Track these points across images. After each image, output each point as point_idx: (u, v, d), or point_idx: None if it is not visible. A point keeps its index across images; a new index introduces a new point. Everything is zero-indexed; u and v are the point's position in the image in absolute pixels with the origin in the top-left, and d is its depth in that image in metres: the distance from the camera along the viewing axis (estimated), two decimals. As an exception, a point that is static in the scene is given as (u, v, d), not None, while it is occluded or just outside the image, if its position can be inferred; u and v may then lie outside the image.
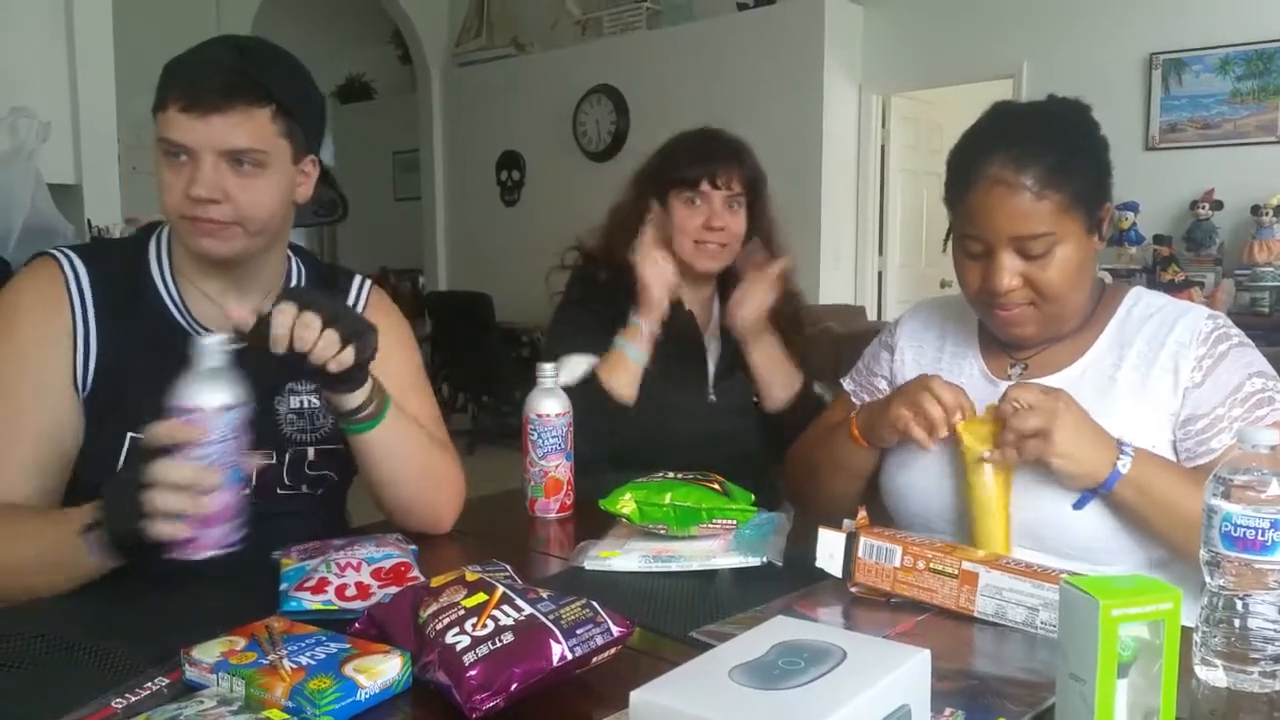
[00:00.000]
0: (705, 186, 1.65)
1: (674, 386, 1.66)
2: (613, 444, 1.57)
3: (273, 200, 1.21)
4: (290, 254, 1.37)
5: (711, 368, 1.74)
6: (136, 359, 1.21)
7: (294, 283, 1.35)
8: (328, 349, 1.08)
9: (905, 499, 1.31)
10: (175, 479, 0.94)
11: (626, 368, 1.57)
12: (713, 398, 1.72)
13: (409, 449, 1.26)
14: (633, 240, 1.68)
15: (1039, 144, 1.17)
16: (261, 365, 1.06)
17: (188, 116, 1.14)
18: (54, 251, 1.24)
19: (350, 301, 1.39)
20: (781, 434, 1.65)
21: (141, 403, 1.13)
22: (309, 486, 1.33)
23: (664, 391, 1.64)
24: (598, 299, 1.71)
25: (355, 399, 1.17)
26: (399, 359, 1.36)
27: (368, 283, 1.44)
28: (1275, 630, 0.85)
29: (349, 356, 1.09)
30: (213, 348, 0.97)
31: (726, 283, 1.76)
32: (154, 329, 1.24)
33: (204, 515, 0.95)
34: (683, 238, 1.66)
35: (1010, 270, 1.18)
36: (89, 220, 3.38)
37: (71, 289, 1.21)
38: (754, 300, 1.63)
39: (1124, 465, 1.11)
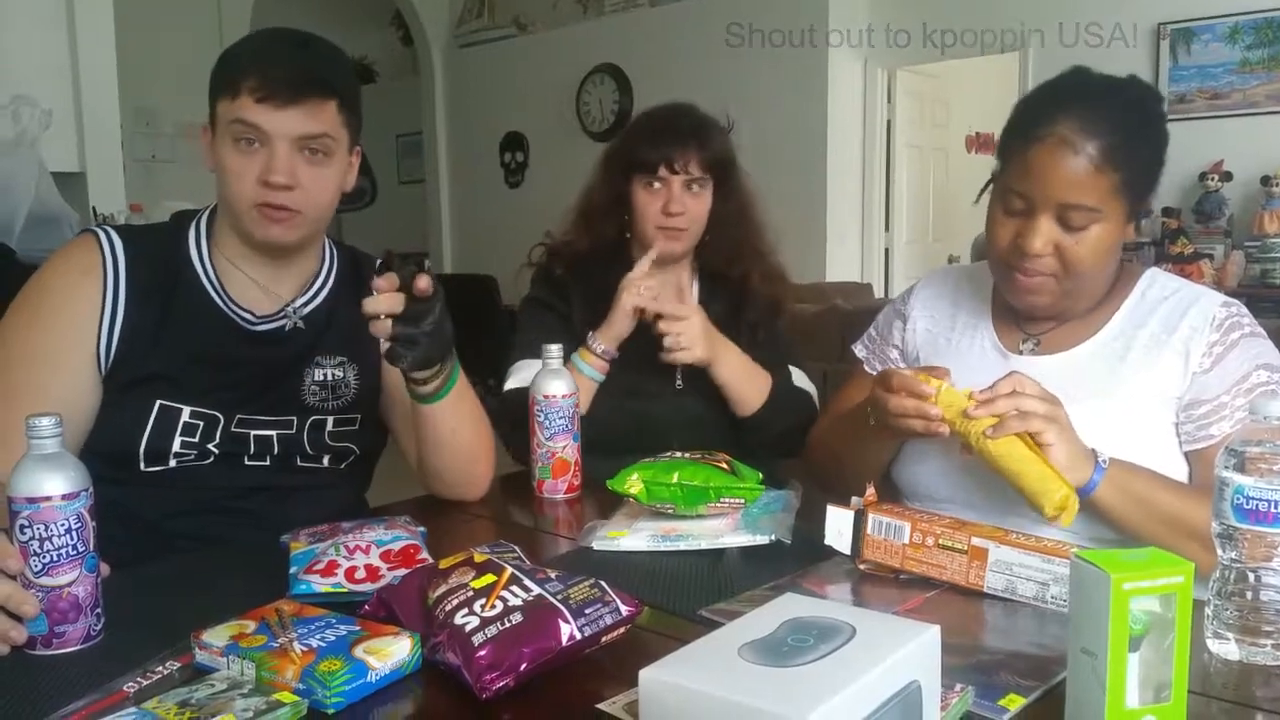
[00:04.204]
0: (663, 171, 1.62)
1: (641, 373, 1.63)
2: (584, 430, 1.56)
3: (335, 188, 1.29)
4: (326, 240, 1.42)
5: None
6: (172, 338, 1.26)
7: (330, 266, 1.41)
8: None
9: (917, 488, 1.30)
10: None
11: (581, 385, 1.54)
12: (680, 384, 1.68)
13: (463, 424, 1.33)
14: (602, 223, 1.68)
15: (1112, 117, 1.15)
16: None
17: (264, 105, 1.20)
18: (95, 228, 1.29)
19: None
20: (757, 434, 1.64)
21: (174, 378, 1.24)
22: (331, 460, 1.37)
23: (630, 377, 1.62)
24: (558, 296, 1.69)
25: (424, 376, 1.23)
26: None
27: None
28: (1288, 602, 0.84)
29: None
30: (46, 429, 0.87)
31: (705, 268, 1.75)
32: (193, 310, 1.29)
33: (61, 610, 0.88)
34: (644, 222, 1.65)
35: (1045, 235, 1.17)
36: (94, 208, 3.38)
37: (107, 264, 1.25)
38: (684, 340, 1.56)
39: (1104, 462, 1.10)
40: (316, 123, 1.22)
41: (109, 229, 1.29)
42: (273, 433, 1.31)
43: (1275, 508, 0.82)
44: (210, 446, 1.27)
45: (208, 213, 1.34)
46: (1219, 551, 0.87)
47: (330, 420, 1.36)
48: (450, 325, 1.20)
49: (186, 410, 1.25)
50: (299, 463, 1.34)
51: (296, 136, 1.21)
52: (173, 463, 1.25)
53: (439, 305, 1.16)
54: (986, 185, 1.26)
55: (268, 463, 1.32)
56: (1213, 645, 0.87)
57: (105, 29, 3.51)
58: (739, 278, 1.72)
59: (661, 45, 5.92)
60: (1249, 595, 0.85)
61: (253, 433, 1.30)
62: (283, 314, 1.33)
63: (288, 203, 1.23)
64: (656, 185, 1.63)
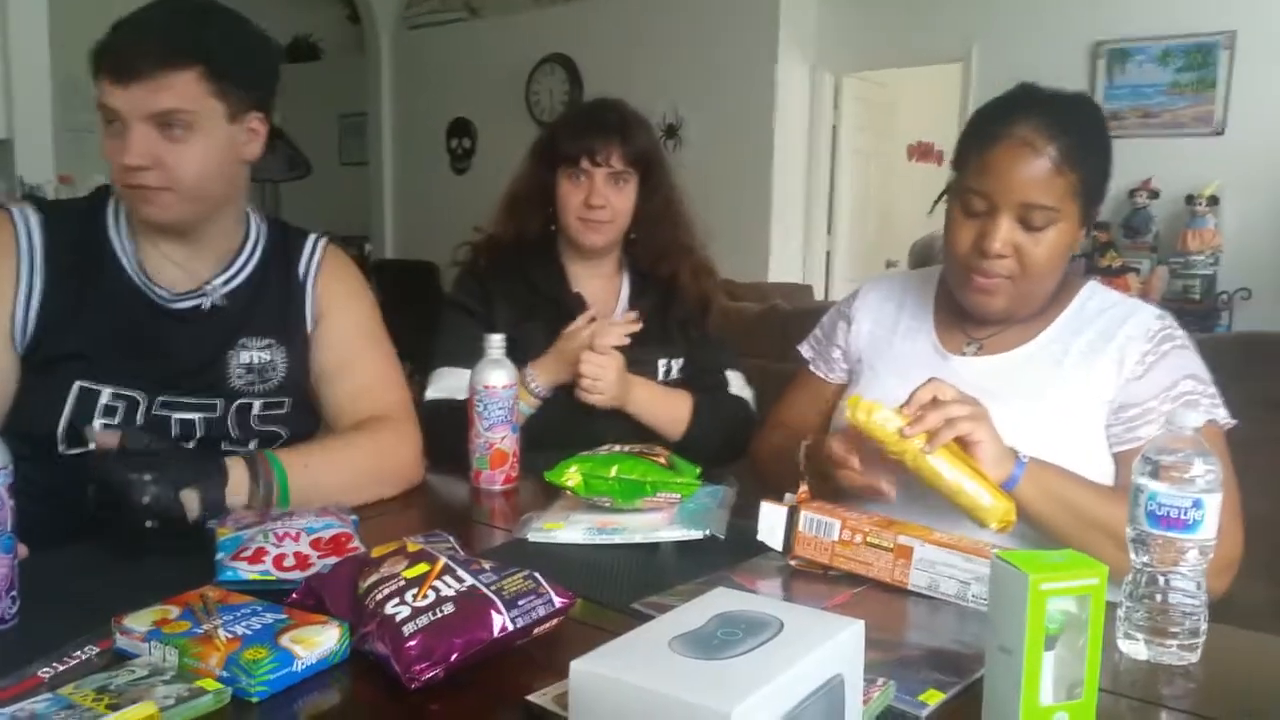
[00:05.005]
0: (585, 163, 1.63)
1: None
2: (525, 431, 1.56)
3: (205, 162, 1.21)
4: (253, 214, 1.39)
5: None
6: (91, 315, 1.23)
7: (254, 243, 1.36)
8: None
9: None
10: None
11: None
12: None
13: (334, 491, 1.21)
14: (527, 213, 1.69)
15: (1068, 121, 1.20)
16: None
17: (116, 85, 1.15)
18: (9, 207, 1.25)
19: (303, 258, 1.41)
20: (694, 451, 1.64)
21: (93, 357, 1.21)
22: (259, 444, 1.34)
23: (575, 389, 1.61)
24: (479, 299, 1.69)
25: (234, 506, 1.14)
26: (354, 315, 1.42)
27: (323, 241, 1.45)
28: (1194, 605, 0.88)
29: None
30: None
31: (634, 266, 1.76)
32: (111, 288, 1.25)
33: None
34: (566, 214, 1.66)
35: (1006, 235, 1.20)
36: (20, 178, 3.27)
37: (21, 243, 1.22)
38: (600, 386, 1.56)
39: (1024, 458, 1.13)
40: (167, 97, 1.16)
41: (23, 208, 1.25)
42: (196, 416, 1.28)
43: (1185, 514, 0.86)
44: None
45: None
46: (1131, 555, 0.90)
47: (257, 404, 1.33)
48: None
49: (106, 391, 1.22)
50: (224, 447, 1.31)
51: (147, 114, 1.16)
52: (93, 445, 1.22)
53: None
54: (942, 194, 1.30)
55: (191, 447, 1.29)
56: (1123, 645, 0.90)
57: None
58: (668, 275, 1.73)
59: (613, 38, 5.91)
60: (1158, 598, 0.88)
61: (175, 415, 1.27)
62: (201, 291, 1.30)
63: (148, 182, 1.18)
64: (580, 178, 1.64)
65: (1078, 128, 1.21)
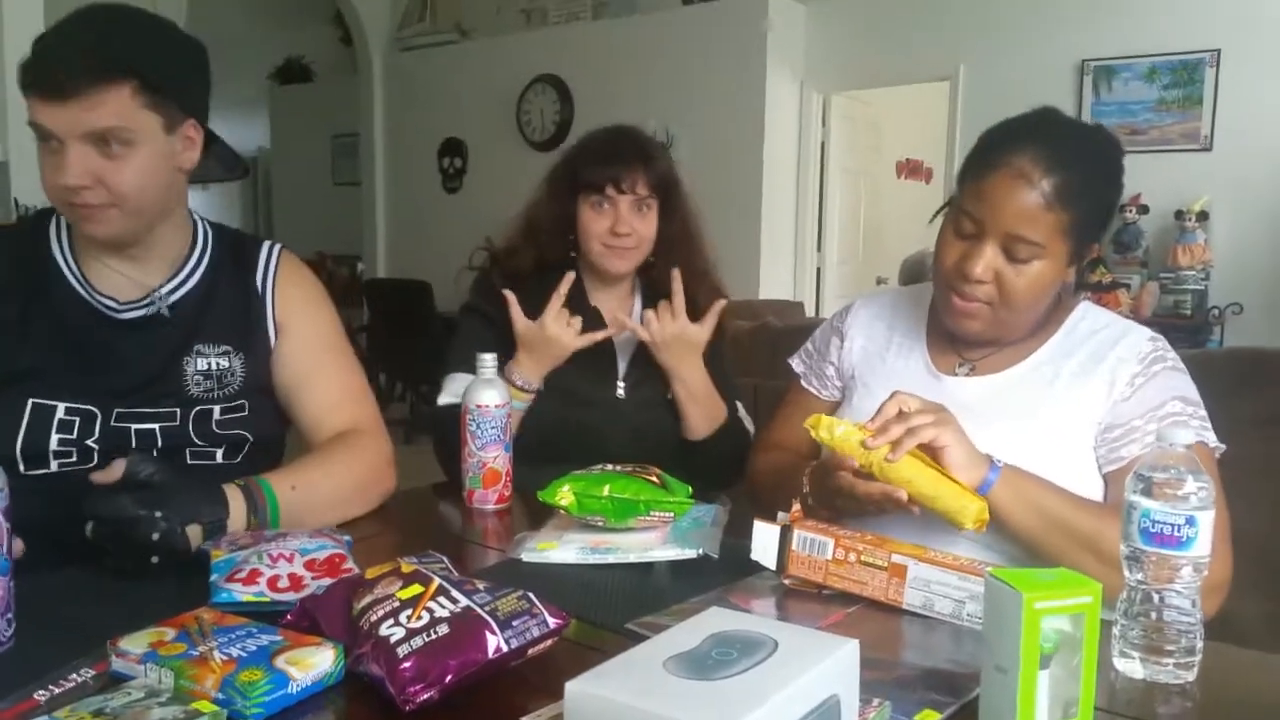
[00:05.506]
0: (611, 191, 1.63)
1: (581, 382, 1.64)
2: (524, 437, 1.56)
3: (146, 177, 1.21)
4: (198, 221, 1.39)
5: (622, 366, 1.71)
6: (39, 332, 1.23)
7: (201, 250, 1.36)
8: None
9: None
10: None
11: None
12: (621, 394, 1.69)
13: (321, 509, 1.25)
14: (548, 242, 1.69)
15: (1071, 158, 1.18)
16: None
17: (48, 103, 1.14)
18: None
19: (259, 266, 1.41)
20: (698, 457, 1.66)
21: (45, 372, 1.21)
22: (226, 452, 1.33)
23: (570, 386, 1.63)
24: (497, 307, 1.68)
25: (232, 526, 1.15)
26: (317, 324, 1.43)
27: (277, 248, 1.45)
28: (1190, 623, 0.88)
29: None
30: None
31: (649, 283, 1.76)
32: (58, 304, 1.25)
33: None
34: (591, 240, 1.66)
35: (988, 262, 1.20)
36: (15, 199, 3.27)
37: None
38: (665, 331, 1.61)
39: (999, 463, 1.13)
40: (102, 115, 1.15)
41: None
42: (154, 425, 1.27)
43: (1178, 531, 0.86)
44: (90, 443, 1.23)
45: None
46: (1125, 573, 0.90)
47: (217, 410, 1.32)
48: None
49: (61, 407, 1.22)
50: (190, 459, 1.30)
51: (83, 133, 1.15)
52: (54, 465, 1.22)
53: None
54: (942, 208, 1.30)
55: (178, 466, 1.28)
56: (1118, 664, 0.90)
57: (34, 14, 3.41)
58: (687, 299, 1.74)
59: (603, 59, 5.95)
60: (1153, 615, 0.89)
61: (134, 426, 1.26)
62: (149, 300, 1.30)
63: (91, 200, 1.18)
64: (604, 205, 1.64)
65: (1080, 166, 1.19)
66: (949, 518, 1.10)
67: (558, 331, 1.58)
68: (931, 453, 1.11)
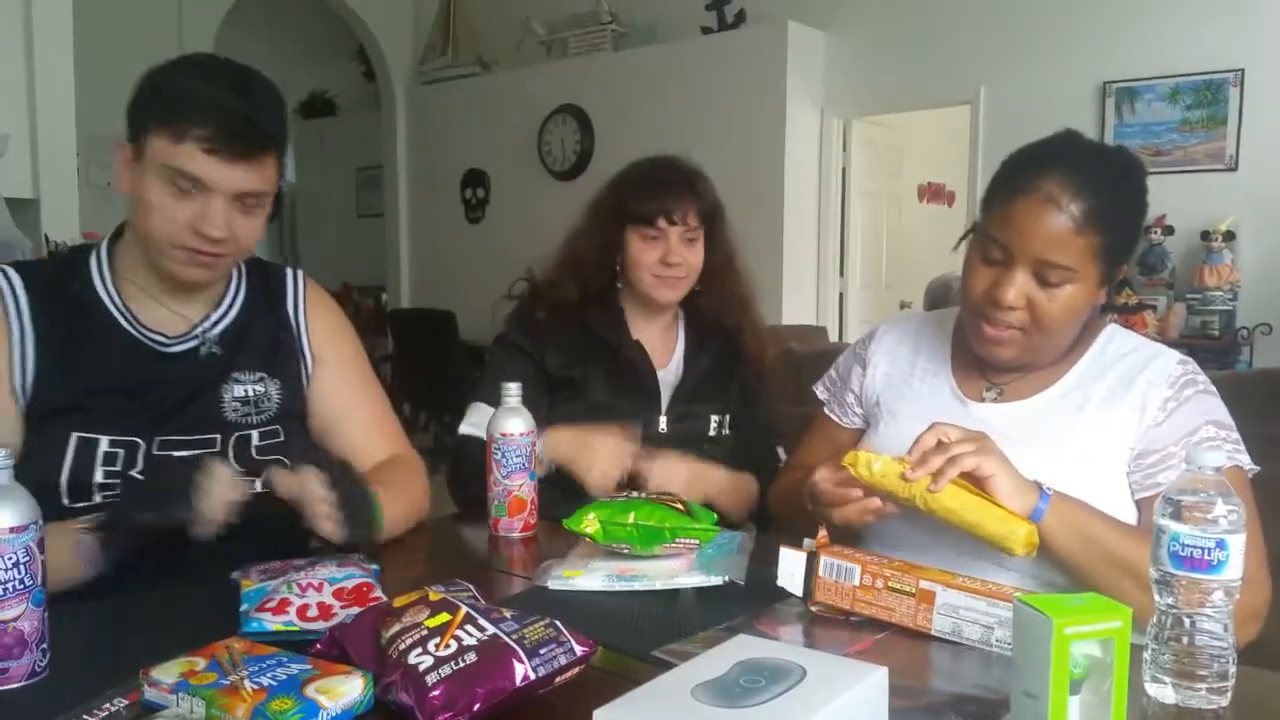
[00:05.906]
0: (662, 223, 1.64)
1: (623, 416, 1.62)
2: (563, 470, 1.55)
3: (261, 231, 1.30)
4: None
5: (665, 399, 1.70)
6: (82, 366, 1.25)
7: (238, 283, 1.41)
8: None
9: (881, 534, 1.31)
10: None
11: None
12: (664, 429, 1.67)
13: (395, 525, 1.36)
14: (592, 272, 1.69)
15: (1098, 181, 1.18)
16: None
17: (211, 159, 1.19)
18: None
19: (289, 294, 1.45)
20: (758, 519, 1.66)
21: (88, 407, 1.24)
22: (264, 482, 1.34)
23: (611, 420, 1.60)
24: (533, 341, 1.69)
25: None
26: (347, 353, 1.49)
27: (300, 275, 1.49)
28: (1222, 648, 0.87)
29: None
30: None
31: (693, 313, 1.77)
32: (100, 339, 1.28)
33: (5, 645, 0.88)
34: (640, 271, 1.67)
35: (1020, 288, 1.20)
36: (46, 235, 3.33)
37: (8, 301, 1.25)
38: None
39: (1049, 490, 1.12)
40: (259, 179, 1.24)
41: (5, 267, 1.29)
42: (197, 453, 1.29)
43: (1209, 555, 0.85)
44: (134, 474, 1.25)
45: (106, 240, 1.34)
46: (1156, 597, 0.89)
47: (255, 434, 1.34)
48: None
49: (104, 440, 1.24)
50: None
51: (237, 191, 1.22)
52: (98, 497, 1.23)
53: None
54: (967, 233, 1.30)
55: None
56: (1150, 689, 0.89)
57: (64, 55, 3.48)
58: (731, 330, 1.74)
59: (624, 89, 6.00)
60: (1185, 640, 0.88)
61: (176, 454, 1.28)
62: (194, 335, 1.33)
63: (220, 250, 1.24)
64: (655, 236, 1.65)
65: (1107, 187, 1.18)
66: (997, 544, 1.08)
67: (609, 470, 1.51)
68: (976, 482, 1.10)
